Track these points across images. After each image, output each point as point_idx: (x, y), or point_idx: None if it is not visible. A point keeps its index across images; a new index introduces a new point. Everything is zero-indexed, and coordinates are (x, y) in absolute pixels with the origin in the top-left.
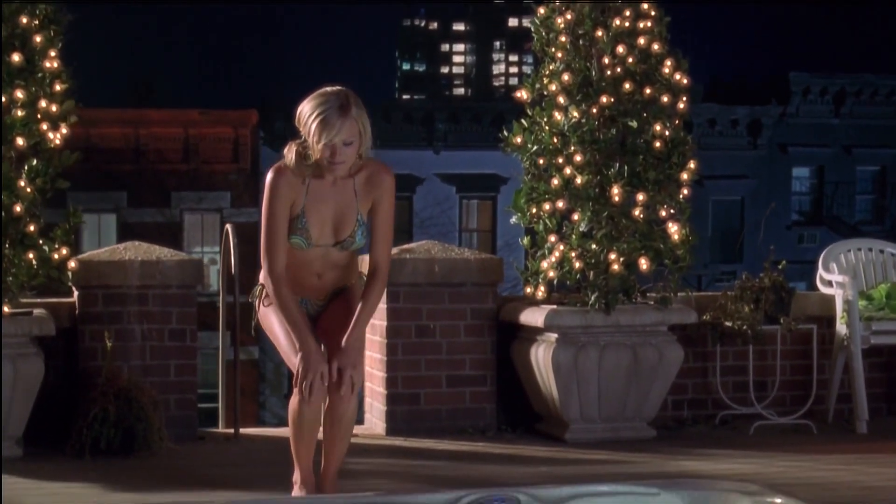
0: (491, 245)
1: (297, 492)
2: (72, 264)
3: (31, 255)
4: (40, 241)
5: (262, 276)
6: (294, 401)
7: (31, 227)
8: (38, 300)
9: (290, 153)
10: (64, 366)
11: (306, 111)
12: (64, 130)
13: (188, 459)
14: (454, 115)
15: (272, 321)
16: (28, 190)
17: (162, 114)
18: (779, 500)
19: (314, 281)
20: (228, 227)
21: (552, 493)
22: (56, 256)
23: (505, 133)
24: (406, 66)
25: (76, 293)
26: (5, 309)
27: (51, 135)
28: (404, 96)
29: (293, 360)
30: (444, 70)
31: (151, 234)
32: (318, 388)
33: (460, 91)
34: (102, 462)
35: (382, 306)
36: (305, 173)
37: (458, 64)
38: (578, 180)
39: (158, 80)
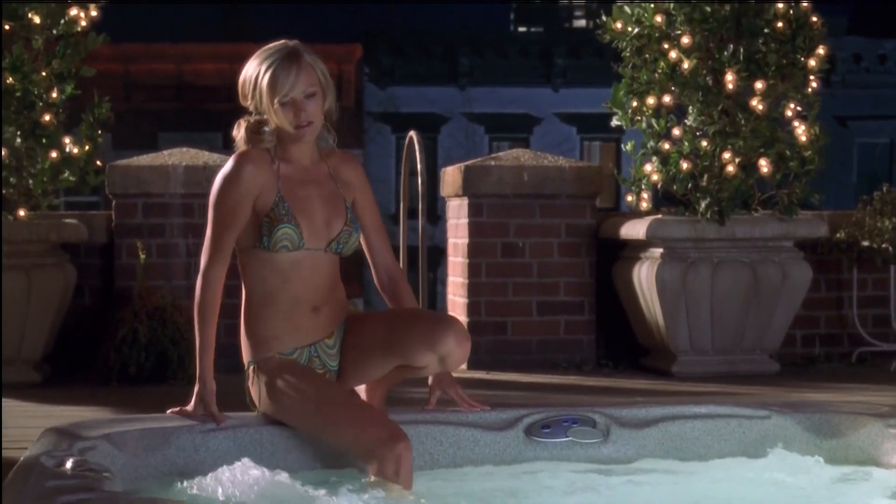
0: (615, 192)
1: None
2: (98, 162)
3: (54, 154)
4: (65, 140)
5: (198, 286)
6: None
7: (47, 117)
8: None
9: (238, 132)
10: (101, 285)
11: (250, 73)
12: (94, 13)
13: (231, 390)
14: (574, 48)
15: (309, 406)
16: (43, 73)
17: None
18: None
19: (310, 316)
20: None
21: (637, 414)
22: (76, 151)
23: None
24: None
25: (113, 203)
26: (20, 212)
27: (77, 13)
28: (520, 28)
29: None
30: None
31: None
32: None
33: (581, 23)
34: (129, 389)
35: (463, 221)
36: (270, 150)
37: None
38: (686, 65)
39: (255, 12)
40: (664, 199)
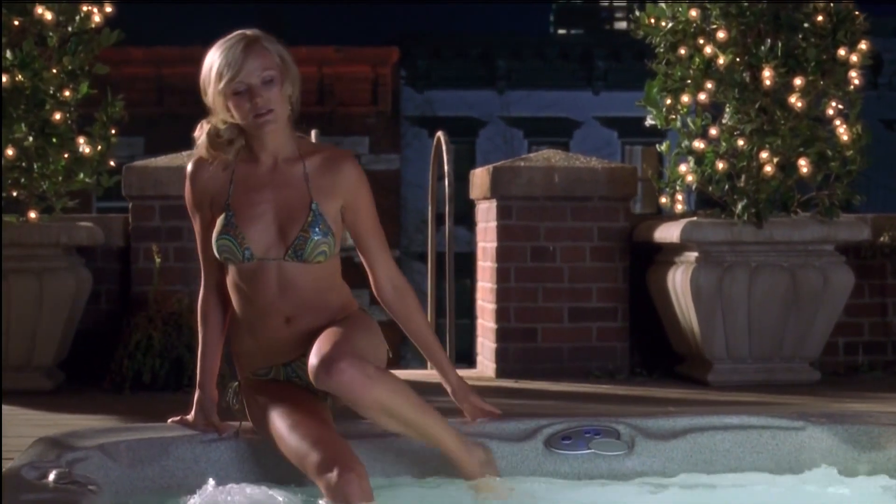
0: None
1: None
2: (111, 163)
3: (67, 154)
4: (80, 139)
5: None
6: None
7: (57, 116)
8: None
9: (200, 132)
10: (118, 290)
11: (205, 65)
12: (108, 9)
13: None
14: (616, 51)
15: (268, 424)
16: (54, 71)
17: (294, 51)
18: None
19: (282, 330)
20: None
21: (664, 425)
22: (87, 151)
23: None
24: None
25: (130, 205)
26: (31, 214)
27: (91, 8)
28: (560, 31)
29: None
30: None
31: None
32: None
33: (622, 24)
34: (143, 397)
35: (492, 224)
36: (227, 156)
37: None
38: (721, 61)
39: (289, 14)
40: (703, 203)
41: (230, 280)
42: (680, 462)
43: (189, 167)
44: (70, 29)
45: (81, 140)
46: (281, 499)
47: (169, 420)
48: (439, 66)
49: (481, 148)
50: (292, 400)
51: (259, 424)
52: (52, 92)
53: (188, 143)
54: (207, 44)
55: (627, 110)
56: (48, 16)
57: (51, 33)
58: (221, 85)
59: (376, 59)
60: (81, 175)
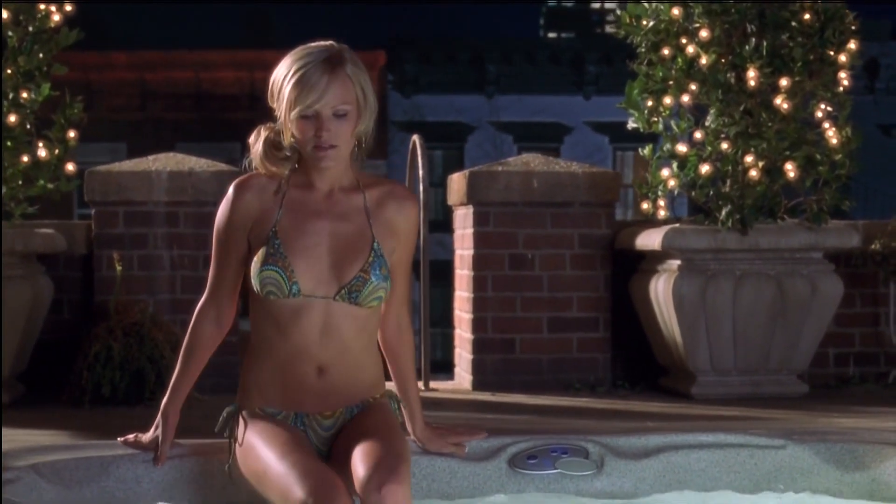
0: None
1: None
2: (70, 167)
3: (25, 158)
4: (39, 143)
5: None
6: None
7: (13, 118)
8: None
9: (256, 143)
10: (80, 299)
11: (280, 72)
12: (68, 7)
13: (215, 413)
14: (607, 55)
15: (257, 454)
16: (9, 71)
17: (280, 55)
18: None
19: (312, 378)
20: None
21: (635, 444)
22: (43, 155)
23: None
24: (552, 1)
25: (93, 211)
26: None
27: (47, 7)
28: (550, 34)
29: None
30: (596, 4)
31: None
32: None
33: (613, 28)
34: (102, 412)
35: (469, 230)
36: (281, 175)
37: None
38: (704, 60)
39: (276, 17)
40: (696, 211)
41: (263, 311)
42: (651, 482)
43: (234, 185)
44: (31, 29)
45: (41, 144)
46: None
47: (119, 439)
48: (427, 71)
49: (470, 154)
50: (289, 437)
51: (246, 455)
52: (7, 94)
53: (171, 149)
54: (192, 49)
55: (619, 115)
56: (5, 14)
57: (10, 33)
58: (293, 113)
59: (363, 63)
60: (42, 181)
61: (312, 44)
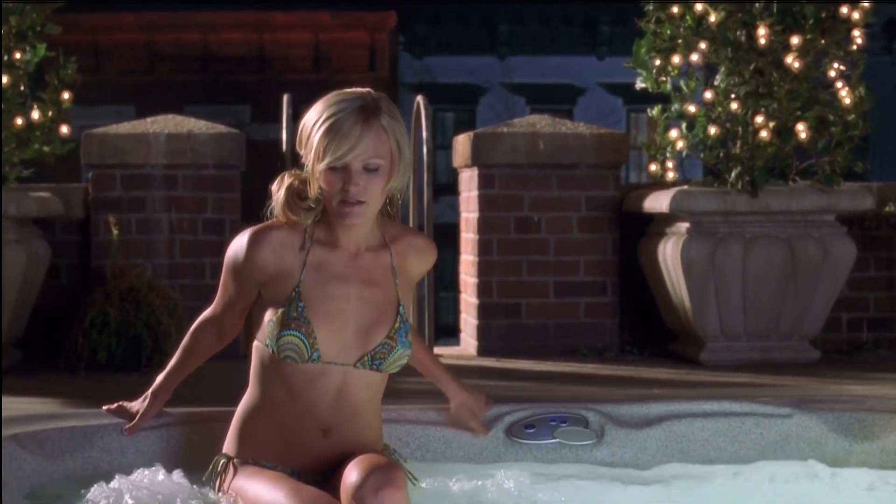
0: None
1: None
2: (64, 129)
3: (19, 121)
4: (33, 105)
5: (194, 323)
6: None
7: (5, 80)
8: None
9: (279, 190)
10: (78, 264)
11: (310, 118)
12: None
13: (215, 380)
14: (621, 15)
15: (247, 494)
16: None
17: (289, 17)
18: None
19: (315, 439)
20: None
21: (637, 412)
22: (36, 117)
23: None
24: None
25: (90, 175)
26: None
27: None
28: None
29: None
30: None
31: (278, 153)
32: None
33: None
34: (98, 378)
35: (474, 193)
36: (303, 225)
37: None
38: (713, 18)
39: None
40: (709, 173)
41: (274, 371)
42: (653, 452)
43: (245, 239)
44: None
45: (35, 105)
46: (190, 484)
47: (104, 408)
48: (438, 32)
49: (482, 116)
50: (283, 475)
51: (239, 497)
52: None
53: (179, 111)
54: (200, 10)
55: (633, 76)
56: None
57: None
58: (321, 165)
59: (373, 24)
60: (38, 145)
61: (348, 89)
